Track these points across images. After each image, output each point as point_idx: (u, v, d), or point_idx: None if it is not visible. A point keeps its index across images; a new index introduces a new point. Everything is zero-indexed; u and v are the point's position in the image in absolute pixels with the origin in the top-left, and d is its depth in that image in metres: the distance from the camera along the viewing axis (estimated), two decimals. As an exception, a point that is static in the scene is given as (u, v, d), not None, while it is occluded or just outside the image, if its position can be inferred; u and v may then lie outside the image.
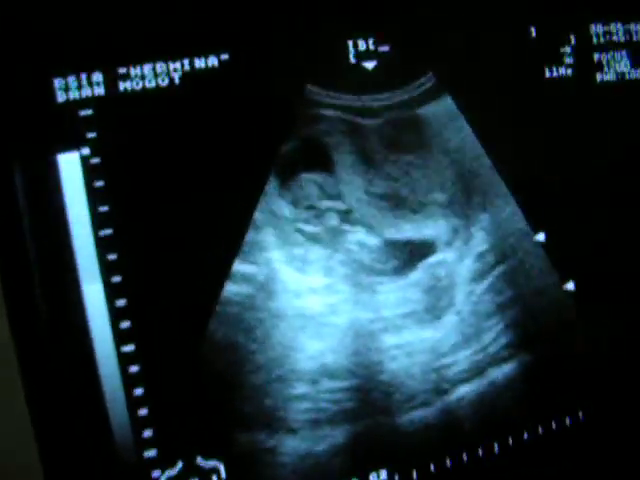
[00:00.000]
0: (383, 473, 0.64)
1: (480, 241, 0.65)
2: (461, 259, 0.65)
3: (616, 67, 0.69)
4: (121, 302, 0.57)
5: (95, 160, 0.56)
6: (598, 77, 0.69)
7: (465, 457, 0.66)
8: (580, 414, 0.70)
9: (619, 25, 0.69)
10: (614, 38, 0.69)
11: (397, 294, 0.63)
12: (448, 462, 0.66)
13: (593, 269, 0.69)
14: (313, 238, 0.61)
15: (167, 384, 0.57)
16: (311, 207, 0.61)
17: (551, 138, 0.67)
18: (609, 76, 0.69)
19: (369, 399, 0.62)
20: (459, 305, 0.65)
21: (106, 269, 0.56)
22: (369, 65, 0.62)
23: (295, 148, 0.60)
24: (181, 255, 0.58)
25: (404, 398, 0.63)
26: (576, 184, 0.68)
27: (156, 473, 0.58)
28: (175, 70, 0.58)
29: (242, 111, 0.59)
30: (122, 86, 0.56)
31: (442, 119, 0.64)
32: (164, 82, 0.57)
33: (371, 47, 0.61)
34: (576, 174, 0.68)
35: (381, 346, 0.62)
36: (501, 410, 0.67)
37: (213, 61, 0.58)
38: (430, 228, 0.64)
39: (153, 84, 0.57)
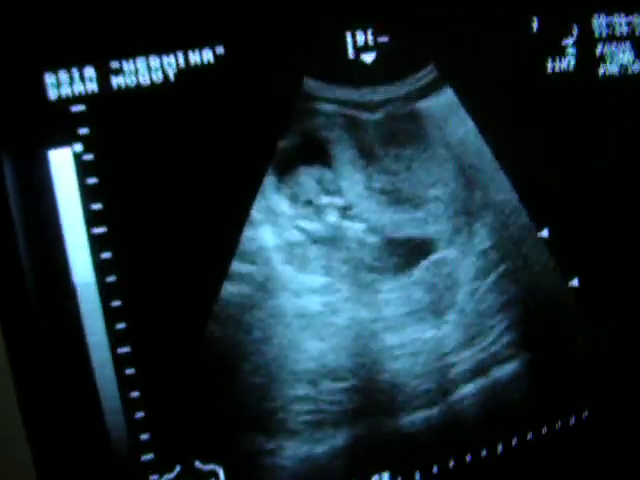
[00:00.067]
0: (385, 476, 0.63)
1: (482, 238, 0.65)
2: (463, 257, 0.64)
3: (619, 60, 0.68)
4: (116, 303, 0.56)
5: (88, 157, 0.55)
6: (601, 70, 0.68)
7: (469, 458, 0.65)
8: (584, 413, 0.69)
9: (622, 17, 0.69)
10: (617, 30, 0.68)
11: (398, 293, 0.62)
12: (451, 463, 0.65)
13: (598, 266, 0.68)
14: (312, 235, 0.60)
15: (164, 386, 0.57)
16: (310, 203, 0.60)
17: (553, 132, 0.66)
18: (612, 69, 0.68)
19: (371, 400, 0.62)
20: (462, 304, 0.64)
21: (100, 269, 0.56)
22: (368, 57, 0.61)
23: (293, 143, 0.59)
24: (177, 254, 0.57)
25: (406, 399, 0.63)
26: (579, 179, 0.67)
27: (154, 477, 0.58)
28: (169, 65, 0.57)
29: (238, 106, 0.58)
30: (115, 81, 0.56)
31: (443, 112, 0.63)
32: (158, 77, 0.57)
33: (370, 39, 0.60)
34: (579, 169, 0.67)
35: (382, 346, 0.62)
36: (505, 410, 0.66)
37: (208, 55, 0.58)
38: (431, 225, 0.63)
39: (147, 79, 0.56)
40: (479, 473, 0.66)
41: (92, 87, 0.55)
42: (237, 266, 0.58)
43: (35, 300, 0.55)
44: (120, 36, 0.56)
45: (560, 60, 0.66)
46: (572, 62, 0.67)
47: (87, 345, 0.55)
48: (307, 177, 0.60)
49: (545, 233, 0.67)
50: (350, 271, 0.61)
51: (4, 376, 0.53)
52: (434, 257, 0.63)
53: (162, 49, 0.56)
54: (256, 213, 0.59)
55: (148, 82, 0.56)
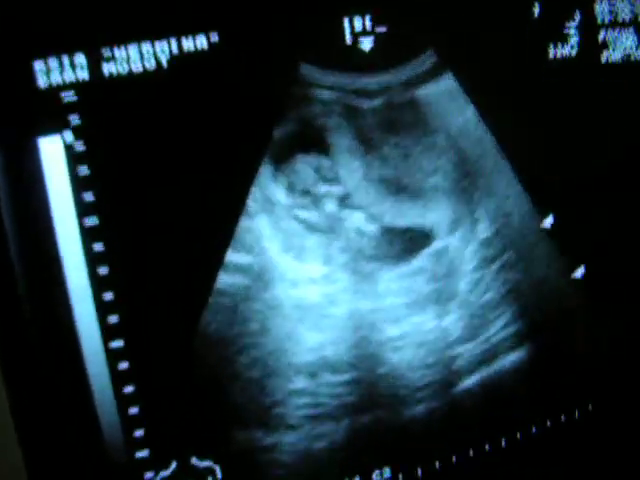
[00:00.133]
0: (387, 471, 0.63)
1: (484, 227, 0.64)
2: (465, 246, 0.63)
3: (622, 46, 0.67)
4: (108, 295, 0.55)
5: (79, 146, 0.54)
6: (603, 56, 0.67)
7: (472, 452, 0.65)
8: (590, 406, 0.68)
9: (625, 3, 0.68)
10: (620, 16, 0.67)
11: (399, 283, 0.61)
12: (454, 458, 0.64)
13: (603, 255, 0.67)
14: (310, 225, 0.59)
15: (158, 381, 0.56)
16: (307, 192, 0.59)
17: (556, 119, 0.65)
18: (615, 56, 0.67)
19: (371, 393, 0.61)
20: (464, 294, 0.63)
21: (92, 261, 0.55)
22: (366, 43, 0.60)
23: (289, 131, 0.59)
24: (171, 245, 0.56)
25: (407, 392, 0.62)
26: (583, 166, 0.66)
27: (149, 474, 0.57)
28: (162, 51, 0.56)
29: (233, 93, 0.57)
30: (106, 69, 0.55)
31: (443, 99, 0.62)
32: (150, 64, 0.56)
33: (368, 24, 0.60)
34: (583, 156, 0.66)
35: (382, 337, 0.61)
36: (508, 403, 0.65)
37: (202, 42, 0.57)
38: (432, 214, 0.62)
39: (139, 66, 0.55)
40: (482, 468, 0.65)
41: (83, 75, 0.54)
42: (233, 256, 0.58)
43: (25, 293, 0.54)
44: (111, 22, 0.55)
45: (562, 46, 0.65)
46: (574, 48, 0.66)
47: (79, 339, 0.55)
48: (304, 165, 0.59)
49: (549, 222, 0.66)
50: (349, 261, 0.60)
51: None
52: (435, 246, 0.62)
53: (155, 35, 0.55)
54: (252, 203, 0.58)
55: (140, 69, 0.55)
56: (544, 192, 0.65)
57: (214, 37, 0.56)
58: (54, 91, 0.53)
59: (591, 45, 0.66)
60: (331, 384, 0.60)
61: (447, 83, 0.62)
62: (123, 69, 0.55)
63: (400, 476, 0.63)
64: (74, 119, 0.54)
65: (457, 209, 0.63)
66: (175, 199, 0.56)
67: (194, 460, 0.57)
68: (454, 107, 0.62)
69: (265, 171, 0.58)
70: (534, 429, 0.66)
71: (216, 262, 0.57)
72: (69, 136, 0.54)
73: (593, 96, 0.66)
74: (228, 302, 0.58)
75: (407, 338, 0.61)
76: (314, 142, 0.59)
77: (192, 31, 0.56)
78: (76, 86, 0.54)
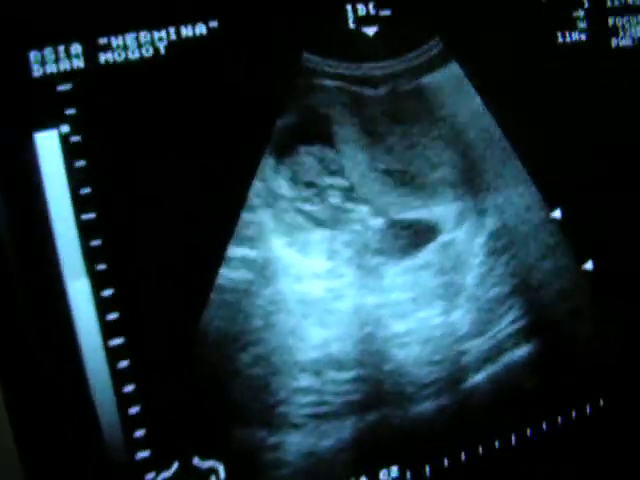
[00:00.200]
0: (394, 470, 0.62)
1: (492, 220, 0.63)
2: (472, 239, 0.62)
3: (632, 32, 0.66)
4: (107, 292, 0.55)
5: (75, 138, 0.53)
6: (613, 42, 0.66)
7: (481, 450, 0.64)
8: (601, 402, 0.67)
9: (635, -13, 0.66)
10: (630, 1, 0.66)
11: (404, 277, 0.60)
12: (463, 456, 0.63)
13: (613, 248, 0.66)
14: (314, 218, 0.58)
15: (159, 379, 0.55)
16: (311, 184, 0.58)
17: (564, 107, 0.64)
18: (625, 41, 0.66)
19: (377, 390, 0.60)
20: (471, 288, 0.62)
21: (90, 256, 0.54)
22: (370, 30, 0.59)
23: (292, 121, 0.58)
24: (171, 239, 0.55)
25: (415, 388, 0.61)
26: (593, 156, 0.65)
27: (150, 475, 0.56)
28: (160, 39, 0.55)
29: (234, 82, 0.56)
30: (103, 58, 0.54)
31: (449, 88, 0.61)
32: (148, 53, 0.55)
33: (372, 10, 0.58)
34: (592, 145, 0.65)
35: (389, 333, 0.60)
36: (518, 399, 0.64)
37: (201, 29, 0.56)
38: (438, 206, 0.61)
39: (137, 55, 0.55)
40: (492, 466, 0.64)
41: (79, 64, 0.53)
42: (235, 251, 0.57)
43: (22, 290, 0.53)
44: (108, 10, 0.54)
45: (571, 31, 0.64)
46: (584, 33, 0.64)
47: (78, 337, 0.54)
48: (308, 157, 0.58)
49: (557, 214, 0.65)
50: (354, 255, 0.59)
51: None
52: (441, 240, 0.61)
53: (153, 24, 0.54)
54: (254, 195, 0.57)
55: (138, 58, 0.54)
56: (552, 184, 0.64)
57: (213, 24, 0.55)
58: (49, 81, 0.53)
59: (601, 30, 0.65)
60: (336, 381, 0.59)
61: (454, 71, 0.61)
62: (120, 57, 0.54)
63: (408, 475, 0.62)
64: (70, 110, 0.53)
65: (464, 201, 0.62)
66: (175, 192, 0.55)
67: (196, 460, 0.57)
68: (461, 96, 0.61)
69: (267, 163, 0.57)
70: (545, 425, 0.65)
71: (218, 257, 0.56)
72: (65, 128, 0.53)
73: (604, 83, 0.65)
74: (230, 298, 0.57)
75: (413, 334, 0.61)
76: (317, 133, 0.58)
77: (191, 19, 0.55)
78: (72, 76, 0.53)
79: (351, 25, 0.58)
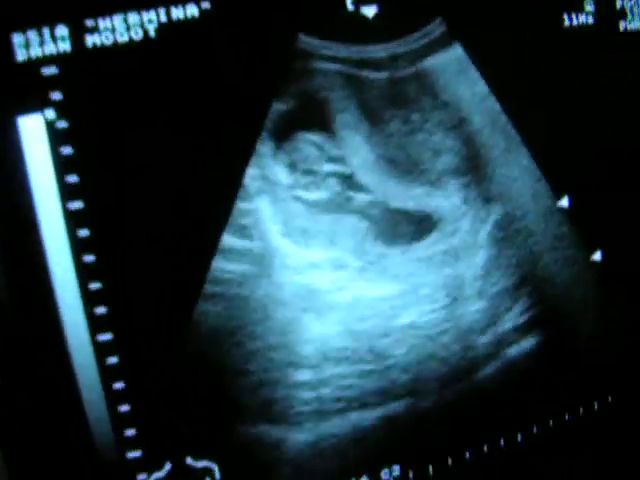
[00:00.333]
0: (396, 469, 0.61)
1: (497, 209, 0.62)
2: (476, 229, 0.61)
3: (640, 14, 0.65)
4: (95, 285, 0.54)
5: (62, 124, 0.53)
6: (621, 25, 0.64)
7: (486, 449, 0.63)
8: (609, 398, 0.66)
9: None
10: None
11: (407, 268, 0.59)
12: (467, 455, 0.62)
13: (622, 238, 0.65)
14: (313, 206, 0.57)
15: (150, 376, 0.55)
16: (310, 172, 0.57)
17: (572, 92, 0.63)
18: (633, 24, 0.65)
19: (379, 386, 0.59)
20: (475, 280, 0.61)
21: (77, 248, 0.53)
22: (369, 11, 0.57)
23: (289, 106, 0.56)
24: (162, 229, 0.54)
25: (417, 384, 0.60)
26: (601, 142, 0.64)
27: (142, 476, 0.55)
28: (150, 21, 0.54)
29: (227, 66, 0.55)
30: (90, 41, 0.53)
31: (452, 72, 0.60)
32: (138, 35, 0.54)
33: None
34: (600, 131, 0.64)
35: (391, 326, 0.59)
36: (524, 396, 0.63)
37: (193, 10, 0.54)
38: (441, 194, 0.60)
39: (125, 38, 0.53)
40: (497, 464, 0.63)
41: (65, 47, 0.52)
42: (231, 241, 0.56)
43: (6, 283, 0.52)
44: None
45: (578, 14, 0.62)
46: (591, 16, 0.63)
47: (64, 332, 0.53)
48: (306, 143, 0.57)
49: (565, 202, 0.63)
50: (355, 245, 0.58)
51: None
52: (445, 229, 0.60)
53: (142, 5, 0.53)
54: (251, 183, 0.56)
55: (126, 40, 0.53)
56: (559, 171, 0.63)
57: (205, 4, 0.54)
58: (34, 65, 0.51)
59: (608, 13, 0.63)
60: (337, 377, 0.58)
61: (456, 54, 0.59)
62: (108, 40, 0.53)
63: (410, 474, 0.61)
64: (55, 95, 0.52)
65: (468, 189, 0.60)
66: (166, 179, 0.54)
67: (189, 460, 0.56)
68: (464, 79, 0.60)
69: (265, 149, 0.56)
70: (551, 423, 0.64)
71: (212, 247, 0.55)
72: (50, 113, 0.52)
73: (611, 67, 0.63)
74: (226, 290, 0.56)
75: (416, 327, 0.59)
76: (316, 118, 0.57)
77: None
78: (57, 59, 0.52)
79: (350, 6, 0.56)
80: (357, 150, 0.58)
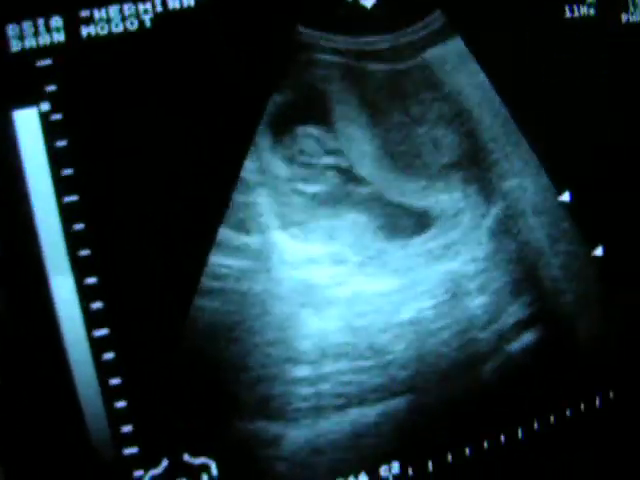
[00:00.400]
0: (395, 466, 0.60)
1: (498, 204, 0.61)
2: (477, 224, 0.61)
3: (643, 6, 0.65)
4: (91, 280, 0.53)
5: (56, 116, 0.53)
6: (624, 17, 0.64)
7: (486, 445, 0.62)
8: (610, 394, 0.66)
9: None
10: (640, -26, 0.64)
11: (407, 262, 0.59)
12: (467, 451, 0.62)
13: (624, 233, 0.64)
14: (312, 200, 0.57)
15: (147, 372, 0.54)
16: (309, 164, 0.57)
17: (573, 84, 0.62)
18: (636, 16, 0.64)
19: (378, 382, 0.58)
20: (476, 275, 0.60)
21: (73, 242, 0.53)
22: (368, 1, 0.57)
23: (288, 98, 0.56)
24: (159, 224, 0.54)
25: (418, 380, 0.59)
26: (603, 136, 0.63)
27: (138, 473, 0.55)
28: (146, 12, 0.54)
29: (225, 58, 0.55)
30: (85, 31, 0.53)
31: (452, 64, 0.59)
32: (133, 26, 0.53)
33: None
34: (602, 125, 0.63)
35: (391, 321, 0.58)
36: (525, 392, 0.62)
37: (189, 0, 0.54)
38: (442, 188, 0.59)
39: (121, 28, 0.53)
40: (497, 461, 0.62)
41: (59, 38, 0.52)
42: (229, 235, 0.55)
43: (1, 277, 0.52)
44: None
45: (579, 5, 0.62)
46: (592, 8, 0.63)
47: (60, 328, 0.52)
48: (305, 135, 0.56)
49: (567, 197, 0.63)
50: (355, 240, 0.57)
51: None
52: (445, 224, 0.59)
53: None
54: (249, 176, 0.56)
55: (122, 31, 0.53)
56: (561, 166, 0.62)
57: None
58: (28, 56, 0.51)
59: (611, 4, 0.63)
60: (336, 373, 0.57)
61: (457, 46, 0.59)
62: (103, 31, 0.52)
63: (410, 471, 0.60)
64: (50, 87, 0.52)
65: (469, 184, 0.60)
66: (163, 172, 0.54)
67: (186, 457, 0.55)
68: (464, 71, 0.59)
69: (263, 142, 0.56)
70: (553, 419, 0.63)
71: (209, 242, 0.55)
72: (45, 105, 0.52)
73: (614, 59, 0.63)
74: (223, 285, 0.55)
75: (416, 322, 0.59)
76: (315, 110, 0.56)
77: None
78: (52, 51, 0.52)
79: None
80: (357, 143, 0.57)
